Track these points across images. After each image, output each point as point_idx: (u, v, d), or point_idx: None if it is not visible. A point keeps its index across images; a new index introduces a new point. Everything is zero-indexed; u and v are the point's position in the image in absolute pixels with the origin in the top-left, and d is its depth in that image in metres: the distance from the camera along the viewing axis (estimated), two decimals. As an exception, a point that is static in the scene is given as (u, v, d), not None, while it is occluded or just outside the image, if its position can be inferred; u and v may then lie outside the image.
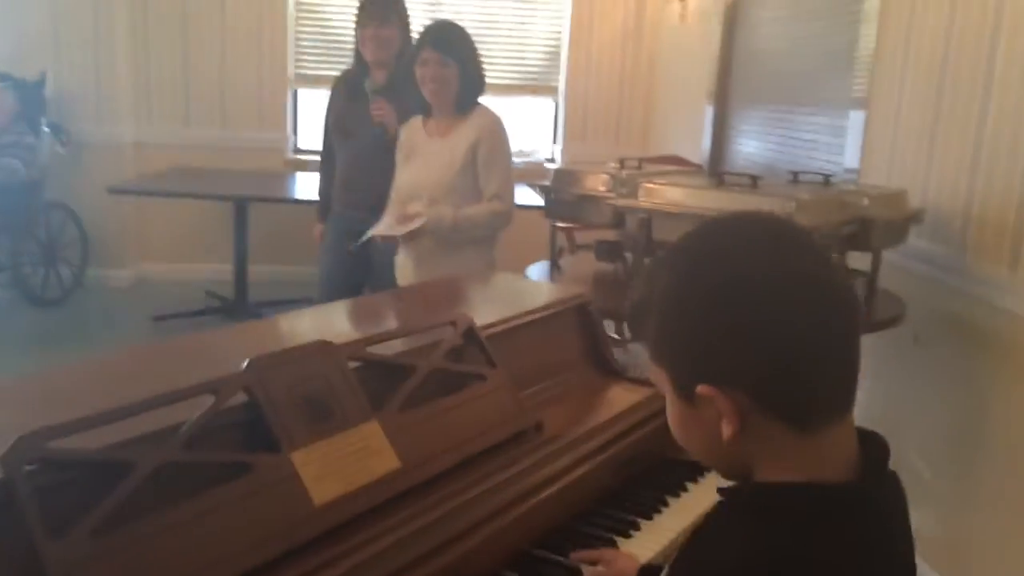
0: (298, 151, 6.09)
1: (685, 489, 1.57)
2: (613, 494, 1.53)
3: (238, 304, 5.29)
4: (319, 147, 3.65)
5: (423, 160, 2.83)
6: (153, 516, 1.00)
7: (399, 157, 2.92)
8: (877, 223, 2.53)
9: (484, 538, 1.25)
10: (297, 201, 5.22)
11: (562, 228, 4.64)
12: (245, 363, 1.19)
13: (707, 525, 0.91)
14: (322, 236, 3.58)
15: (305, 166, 5.79)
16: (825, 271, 0.84)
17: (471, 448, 1.37)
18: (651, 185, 2.56)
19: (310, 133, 6.01)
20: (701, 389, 0.82)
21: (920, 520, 2.93)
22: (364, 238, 2.88)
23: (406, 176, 2.88)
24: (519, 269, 3.83)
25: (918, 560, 3.14)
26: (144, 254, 5.93)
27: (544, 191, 2.92)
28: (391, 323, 1.72)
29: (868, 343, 2.59)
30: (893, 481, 0.89)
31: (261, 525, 1.08)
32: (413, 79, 2.84)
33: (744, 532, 0.83)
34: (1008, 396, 2.42)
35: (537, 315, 1.70)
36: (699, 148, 4.86)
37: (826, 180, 2.76)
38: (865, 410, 3.47)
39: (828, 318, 0.82)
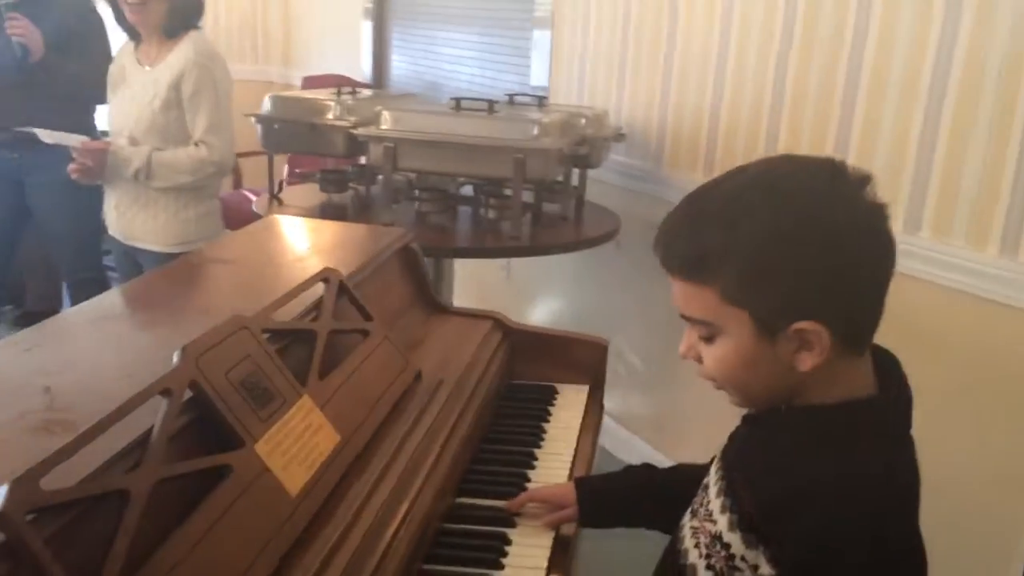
0: None
1: (549, 413, 1.65)
2: (491, 431, 1.56)
3: None
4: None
5: (129, 92, 2.50)
6: (169, 541, 0.86)
7: (108, 86, 2.55)
8: (596, 141, 2.73)
9: (432, 495, 1.23)
10: None
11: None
12: (177, 353, 1.03)
13: (768, 449, 0.97)
14: None
15: None
16: (878, 209, 0.91)
17: (384, 407, 1.33)
18: (393, 112, 2.51)
19: None
20: (804, 324, 0.88)
21: (634, 401, 3.28)
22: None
23: (111, 109, 2.53)
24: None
25: (630, 432, 3.53)
26: None
27: (262, 121, 2.72)
28: (248, 288, 1.56)
29: (576, 253, 2.83)
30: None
31: (256, 529, 0.97)
32: None
33: (842, 450, 0.90)
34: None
35: (378, 260, 1.64)
36: (356, 67, 4.79)
37: (540, 102, 2.89)
38: (579, 314, 3.72)
39: (889, 252, 0.92)
